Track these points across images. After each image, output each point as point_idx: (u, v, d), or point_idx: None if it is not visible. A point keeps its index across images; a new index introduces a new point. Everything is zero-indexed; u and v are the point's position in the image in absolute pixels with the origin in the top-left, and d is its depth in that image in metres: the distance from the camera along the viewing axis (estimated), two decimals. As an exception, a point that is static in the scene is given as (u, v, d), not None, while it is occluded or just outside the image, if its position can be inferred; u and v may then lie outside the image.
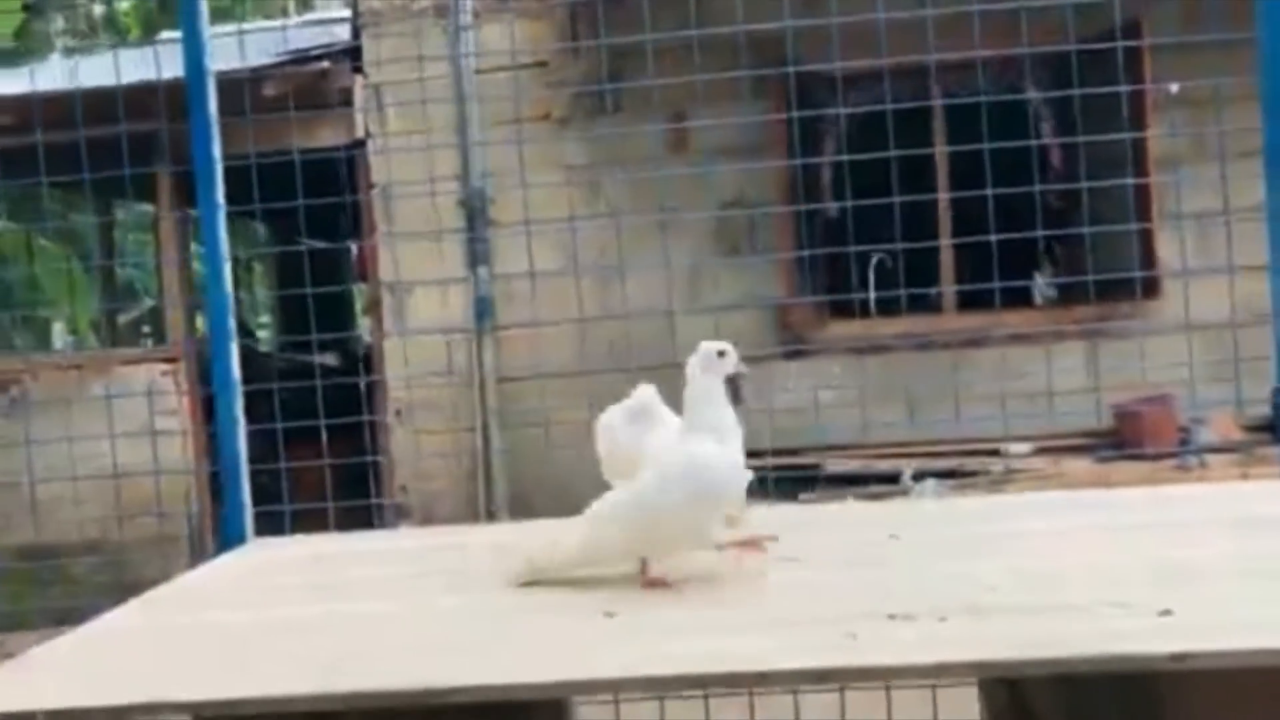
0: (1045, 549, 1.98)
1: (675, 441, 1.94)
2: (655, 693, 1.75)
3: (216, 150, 2.70)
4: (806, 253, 5.20)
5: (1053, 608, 1.63)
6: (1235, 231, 2.83)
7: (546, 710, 1.77)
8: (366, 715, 1.49)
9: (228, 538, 2.61)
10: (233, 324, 2.73)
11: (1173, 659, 1.38)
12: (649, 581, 1.87)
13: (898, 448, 5.20)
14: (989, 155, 3.89)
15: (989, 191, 3.60)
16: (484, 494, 5.76)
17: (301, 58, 6.36)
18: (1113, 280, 5.25)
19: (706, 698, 2.84)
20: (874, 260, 6.20)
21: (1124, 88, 3.78)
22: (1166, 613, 1.52)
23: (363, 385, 5.62)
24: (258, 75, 5.78)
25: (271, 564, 2.36)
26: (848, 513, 2.42)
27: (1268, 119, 2.57)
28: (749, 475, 1.93)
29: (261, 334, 12.97)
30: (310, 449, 4.07)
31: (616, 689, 1.51)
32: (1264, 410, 4.66)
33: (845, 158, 4.59)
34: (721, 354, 2.05)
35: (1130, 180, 4.88)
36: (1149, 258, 5.34)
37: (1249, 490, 2.81)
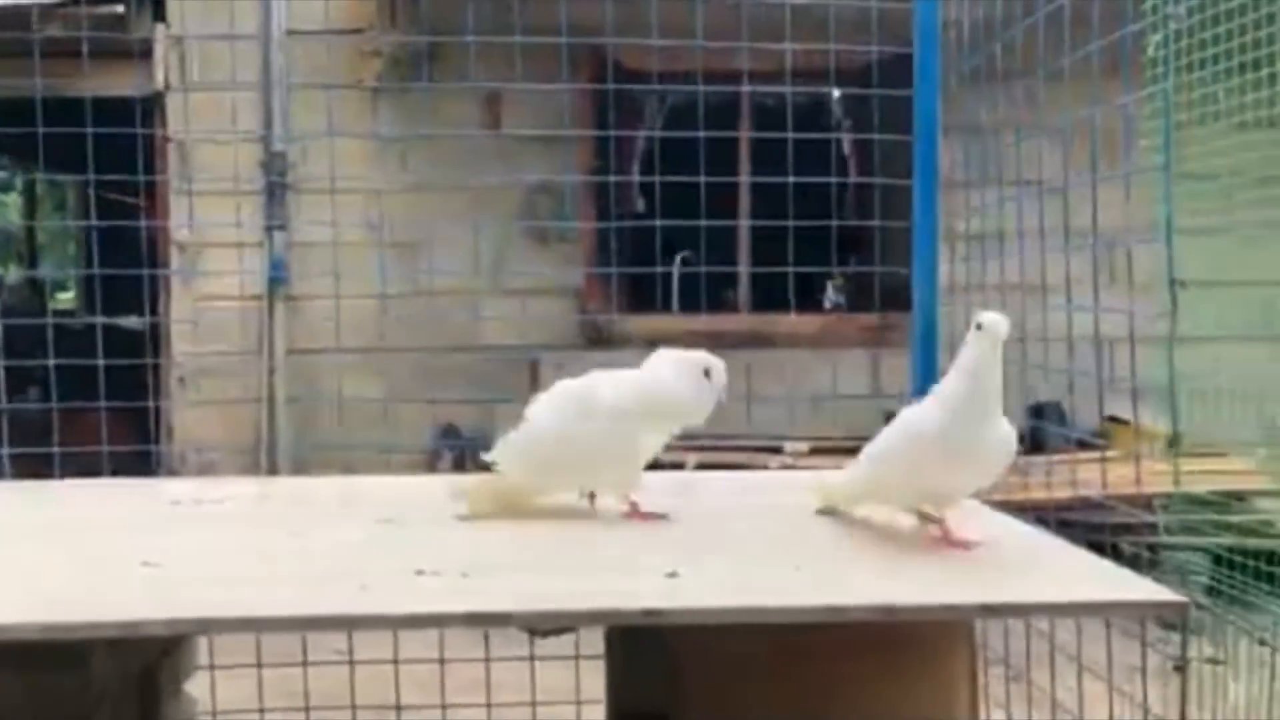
0: (632, 519, 2.11)
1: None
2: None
3: None
4: (613, 224, 5.23)
5: (577, 568, 1.77)
6: (1008, 250, 3.02)
7: (103, 654, 1.80)
8: None
9: None
10: None
11: (645, 614, 1.53)
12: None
13: (687, 441, 5.31)
14: (792, 165, 4.02)
15: (790, 179, 3.73)
16: (265, 468, 5.59)
17: (97, -1, 6.02)
18: (895, 291, 5.51)
19: (352, 663, 2.87)
20: (679, 257, 6.33)
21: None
22: (673, 575, 1.66)
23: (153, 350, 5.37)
24: (43, 11, 5.43)
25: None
26: None
27: (918, 138, 2.81)
28: None
29: (65, 295, 12.38)
30: (95, 414, 3.88)
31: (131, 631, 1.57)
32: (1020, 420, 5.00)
33: (656, 134, 4.66)
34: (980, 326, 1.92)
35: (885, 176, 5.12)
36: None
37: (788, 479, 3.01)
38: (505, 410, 5.95)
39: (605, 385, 2.11)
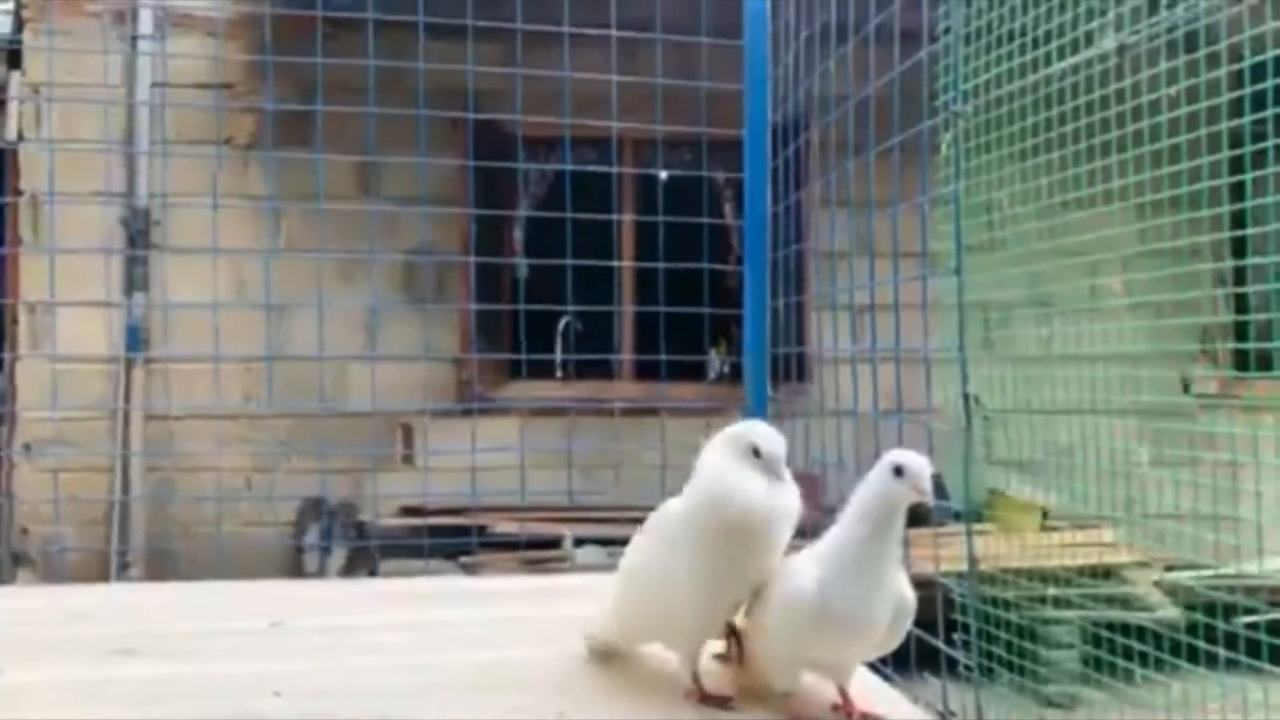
0: (409, 646, 1.87)
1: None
2: None
3: None
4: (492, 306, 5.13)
5: None
6: (880, 321, 2.99)
7: None
8: None
9: None
10: None
11: None
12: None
13: (565, 512, 5.19)
14: (673, 231, 3.99)
15: (663, 265, 3.68)
16: (117, 542, 5.26)
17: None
18: (781, 361, 5.51)
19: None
20: (561, 323, 6.24)
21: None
22: None
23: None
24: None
25: None
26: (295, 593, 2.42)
27: (748, 220, 2.75)
28: None
29: None
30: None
31: None
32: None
33: (527, 213, 4.56)
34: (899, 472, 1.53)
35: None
36: (802, 343, 5.63)
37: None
38: (376, 480, 5.77)
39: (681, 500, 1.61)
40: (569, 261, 3.80)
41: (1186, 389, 5.20)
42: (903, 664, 2.55)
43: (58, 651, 1.82)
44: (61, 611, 2.12)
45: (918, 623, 1.64)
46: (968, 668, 2.44)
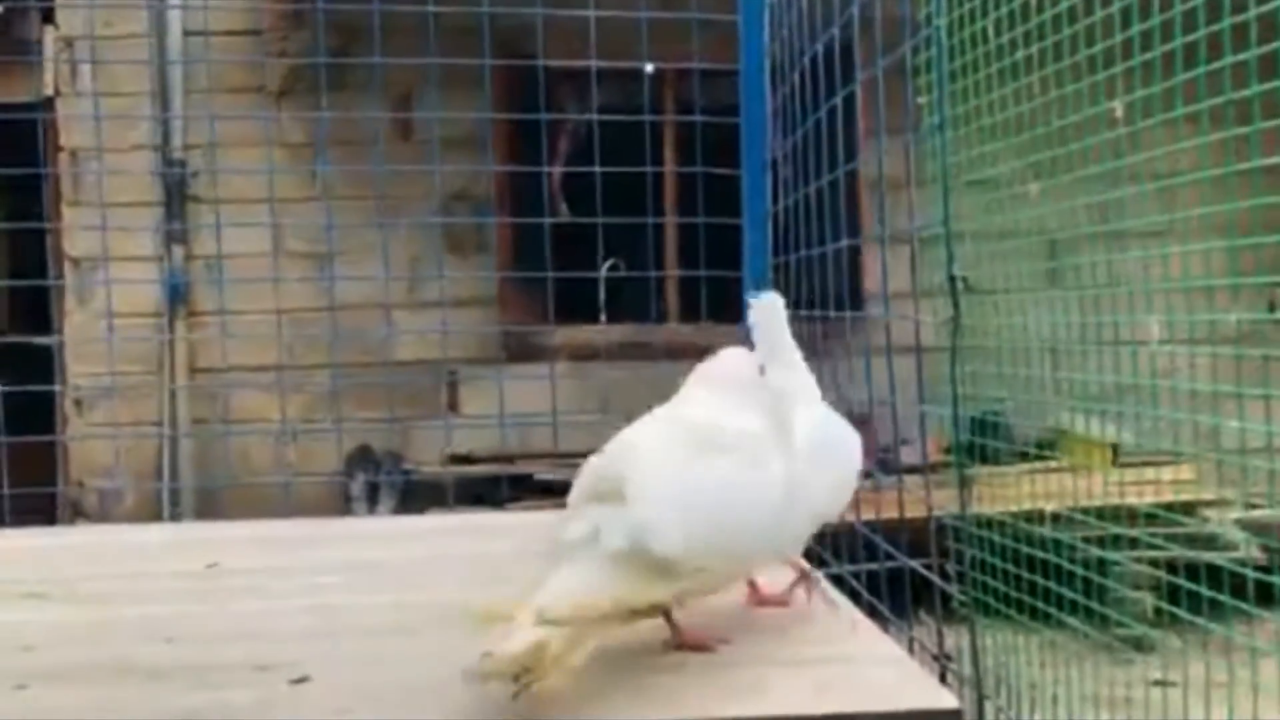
0: (335, 587, 1.79)
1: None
2: None
3: None
4: (533, 220, 5.00)
5: (170, 674, 1.36)
6: (934, 256, 2.81)
7: None
8: None
9: None
10: None
11: None
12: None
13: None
14: (718, 163, 3.84)
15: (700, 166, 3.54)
16: (168, 493, 5.27)
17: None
18: (824, 298, 5.35)
19: None
20: (606, 265, 6.11)
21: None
22: (303, 679, 1.30)
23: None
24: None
25: None
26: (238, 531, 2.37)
27: (746, 124, 2.54)
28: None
29: None
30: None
31: None
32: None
33: (570, 115, 4.42)
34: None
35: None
36: (856, 278, 5.46)
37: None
38: (421, 429, 5.73)
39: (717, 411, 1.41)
40: (604, 169, 3.66)
41: (1272, 308, 4.96)
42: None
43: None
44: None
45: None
46: (962, 604, 2.35)
